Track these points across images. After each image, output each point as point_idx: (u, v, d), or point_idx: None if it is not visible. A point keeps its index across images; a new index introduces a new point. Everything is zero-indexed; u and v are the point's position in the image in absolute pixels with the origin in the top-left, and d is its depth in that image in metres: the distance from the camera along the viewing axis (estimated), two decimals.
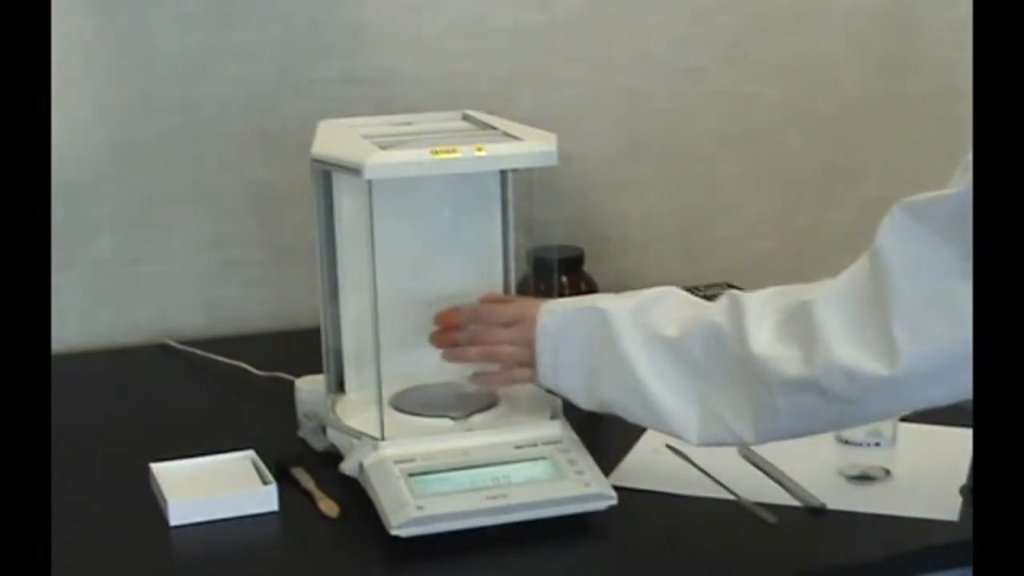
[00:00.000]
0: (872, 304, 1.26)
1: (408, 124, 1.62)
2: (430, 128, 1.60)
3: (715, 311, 1.37)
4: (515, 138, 1.51)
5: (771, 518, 1.45)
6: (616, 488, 1.45)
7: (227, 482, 1.52)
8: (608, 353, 1.41)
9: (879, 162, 2.31)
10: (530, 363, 1.46)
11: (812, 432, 1.38)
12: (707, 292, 2.17)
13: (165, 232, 2.01)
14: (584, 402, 1.46)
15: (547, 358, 1.45)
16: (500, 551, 1.39)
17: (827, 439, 1.53)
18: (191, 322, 2.03)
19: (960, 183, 1.22)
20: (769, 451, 1.56)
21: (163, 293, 2.02)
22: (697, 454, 1.57)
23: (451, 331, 1.53)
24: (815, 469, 1.53)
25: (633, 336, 1.40)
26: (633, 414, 1.42)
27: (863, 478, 1.51)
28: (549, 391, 1.50)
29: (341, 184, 1.55)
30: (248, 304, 2.06)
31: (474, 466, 1.44)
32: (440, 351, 1.54)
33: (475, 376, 1.53)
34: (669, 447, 1.60)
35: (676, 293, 1.45)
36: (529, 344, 1.46)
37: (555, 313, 1.45)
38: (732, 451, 1.58)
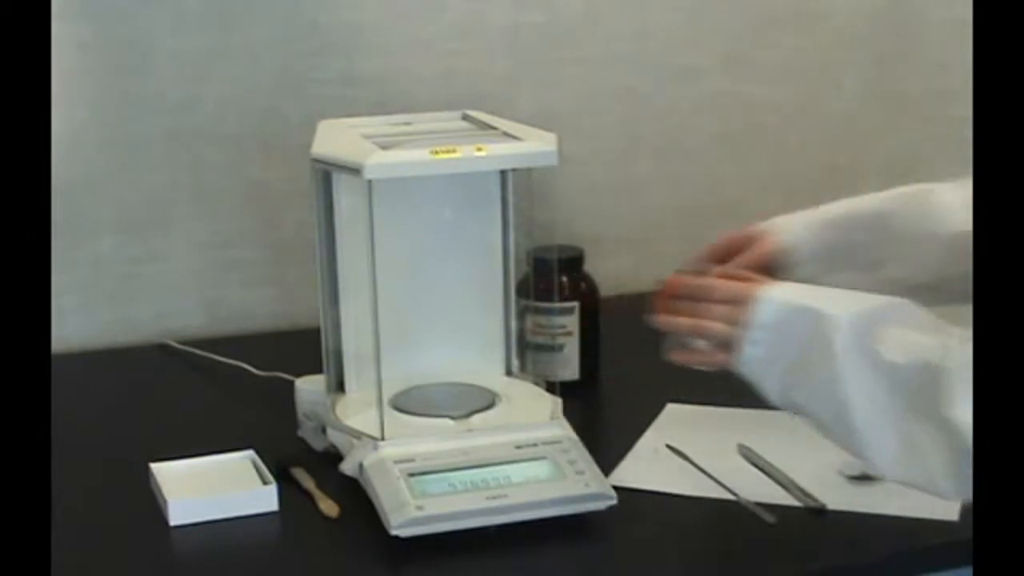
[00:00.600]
0: None
1: (408, 124, 1.62)
2: (430, 128, 1.60)
3: (943, 352, 1.26)
4: (515, 138, 1.51)
5: (771, 518, 1.45)
6: (616, 488, 1.45)
7: (227, 482, 1.52)
8: (818, 359, 1.31)
9: (879, 162, 2.30)
10: (735, 346, 1.36)
11: None
12: None
13: (165, 232, 2.01)
14: (776, 400, 1.37)
15: (753, 349, 1.35)
16: (500, 551, 1.39)
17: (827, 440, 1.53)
18: (191, 322, 2.03)
19: None
20: (769, 451, 1.57)
21: (163, 293, 2.02)
22: (697, 454, 1.57)
23: (672, 298, 1.43)
24: (815, 469, 1.53)
25: (848, 348, 1.30)
26: (825, 427, 1.34)
27: (863, 478, 1.51)
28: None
29: (341, 184, 1.55)
30: (248, 304, 2.06)
31: (474, 466, 1.44)
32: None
33: (675, 351, 1.43)
34: (669, 447, 1.60)
35: (909, 310, 1.33)
36: (741, 326, 1.35)
37: (774, 302, 1.35)
38: (732, 451, 1.58)
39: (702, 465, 1.55)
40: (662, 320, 1.42)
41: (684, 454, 1.58)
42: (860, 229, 1.55)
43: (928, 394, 1.25)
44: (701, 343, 1.40)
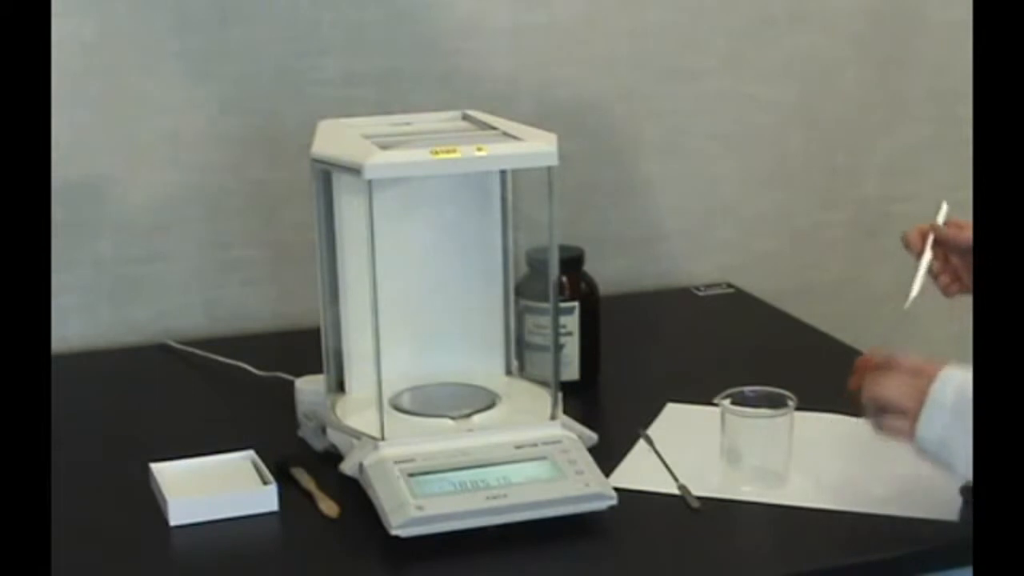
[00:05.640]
0: None
1: (408, 124, 1.62)
2: (430, 128, 1.60)
3: None
4: (515, 138, 1.51)
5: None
6: (616, 488, 1.45)
7: (227, 482, 1.52)
8: None
9: (879, 162, 2.31)
10: (912, 417, 1.35)
11: None
12: (707, 292, 2.18)
13: (165, 232, 2.01)
14: (964, 476, 1.37)
15: (932, 430, 1.34)
16: (500, 551, 1.39)
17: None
18: (191, 322, 2.03)
19: None
20: None
21: (163, 293, 2.02)
22: (697, 454, 1.57)
23: (865, 371, 1.42)
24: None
25: None
26: None
27: None
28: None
29: (341, 184, 1.55)
30: (248, 304, 2.06)
31: (474, 466, 1.44)
32: None
33: (872, 421, 1.41)
34: (654, 449, 1.60)
35: None
36: (919, 400, 1.35)
37: (954, 381, 1.33)
38: None
39: (701, 464, 1.55)
40: (853, 387, 1.42)
41: (659, 453, 1.58)
42: None
43: None
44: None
